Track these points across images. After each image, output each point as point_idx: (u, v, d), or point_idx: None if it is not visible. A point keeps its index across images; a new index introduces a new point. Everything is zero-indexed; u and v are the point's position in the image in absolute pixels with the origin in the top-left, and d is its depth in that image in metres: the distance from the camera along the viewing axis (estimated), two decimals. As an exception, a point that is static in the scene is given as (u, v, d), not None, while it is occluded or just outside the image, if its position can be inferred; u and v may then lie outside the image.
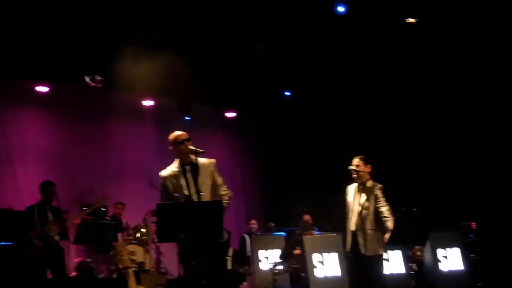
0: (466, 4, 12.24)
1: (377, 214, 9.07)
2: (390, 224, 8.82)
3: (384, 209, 8.98)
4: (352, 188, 9.36)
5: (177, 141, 7.56)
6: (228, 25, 12.71)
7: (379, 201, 9.05)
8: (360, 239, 9.00)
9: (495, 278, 12.46)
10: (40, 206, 11.01)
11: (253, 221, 14.57)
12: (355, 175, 9.19)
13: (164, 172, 7.60)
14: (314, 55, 13.78)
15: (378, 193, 9.11)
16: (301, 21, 12.98)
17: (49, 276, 10.83)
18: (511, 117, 13.30)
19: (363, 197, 9.16)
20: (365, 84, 14.63)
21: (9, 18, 11.97)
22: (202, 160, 7.62)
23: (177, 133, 7.65)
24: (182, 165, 7.56)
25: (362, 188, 9.20)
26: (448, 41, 13.08)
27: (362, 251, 8.95)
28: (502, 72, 12.66)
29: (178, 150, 7.57)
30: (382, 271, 9.24)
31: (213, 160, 7.71)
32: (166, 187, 7.53)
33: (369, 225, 9.00)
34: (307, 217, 13.13)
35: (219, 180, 7.67)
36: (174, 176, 7.52)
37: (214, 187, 7.59)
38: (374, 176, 9.31)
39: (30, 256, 10.58)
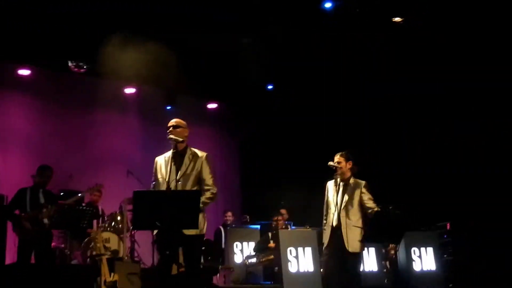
0: (465, 4, 12.30)
1: (362, 211, 9.15)
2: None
3: (374, 205, 9.06)
4: (331, 184, 9.41)
5: (166, 127, 7.75)
6: (218, 20, 12.75)
7: (366, 198, 9.14)
8: (344, 235, 9.02)
9: (468, 280, 12.57)
10: (33, 189, 11.07)
11: (229, 213, 14.60)
12: (337, 172, 9.25)
13: (158, 157, 7.77)
14: (314, 55, 13.79)
15: (364, 190, 9.19)
16: (299, 20, 13.00)
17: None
18: (511, 117, 13.39)
19: (347, 193, 9.20)
20: (365, 84, 14.65)
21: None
22: (194, 151, 7.71)
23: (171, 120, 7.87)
24: (174, 153, 7.64)
25: (344, 185, 9.26)
26: (448, 41, 13.14)
27: (346, 247, 8.99)
28: (502, 72, 12.69)
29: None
30: (360, 268, 9.36)
31: (204, 153, 7.79)
32: (155, 173, 7.69)
33: (354, 222, 9.07)
34: (283, 211, 13.23)
35: (205, 174, 7.68)
36: (164, 161, 7.64)
37: (199, 179, 7.63)
38: (356, 173, 9.38)
39: (4, 238, 10.64)
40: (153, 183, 7.72)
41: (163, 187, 7.35)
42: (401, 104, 14.96)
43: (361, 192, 9.17)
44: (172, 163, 7.52)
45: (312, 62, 14.19)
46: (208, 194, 7.59)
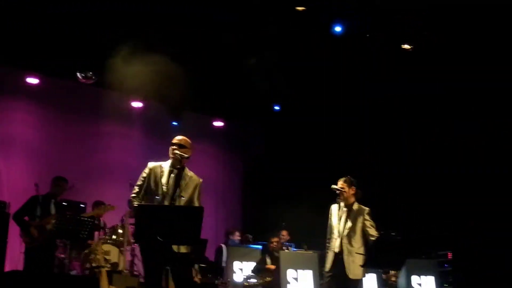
0: (465, 4, 12.31)
1: (364, 237, 9.14)
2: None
3: (375, 233, 9.05)
4: (335, 208, 9.41)
5: (171, 143, 7.76)
6: (224, 28, 12.78)
7: (368, 225, 9.15)
8: (346, 262, 9.05)
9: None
10: (46, 198, 11.17)
11: (237, 233, 14.47)
12: (340, 197, 9.27)
13: (153, 164, 7.75)
14: (314, 55, 13.78)
15: (367, 217, 9.19)
16: (300, 22, 13.00)
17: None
18: (511, 117, 13.39)
19: (350, 220, 9.21)
20: (365, 84, 14.61)
21: (3, 9, 11.98)
22: (191, 173, 7.74)
23: (178, 137, 7.91)
24: (172, 167, 7.67)
25: (347, 211, 9.26)
26: (448, 41, 13.17)
27: (348, 274, 9.00)
28: (502, 72, 12.73)
29: (169, 151, 7.76)
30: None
31: (200, 179, 7.82)
32: (146, 179, 7.64)
33: (356, 249, 9.08)
34: (284, 232, 13.20)
35: (196, 199, 7.73)
36: (160, 172, 7.62)
37: (189, 202, 7.64)
38: (361, 198, 9.38)
39: (4, 245, 10.63)
40: (140, 185, 7.66)
41: (157, 202, 7.40)
42: (401, 104, 14.93)
43: (364, 219, 9.18)
44: (172, 178, 7.58)
45: (311, 62, 14.21)
46: None
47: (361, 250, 9.06)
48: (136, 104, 15.78)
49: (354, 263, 9.00)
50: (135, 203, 7.45)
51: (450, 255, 13.43)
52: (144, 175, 7.69)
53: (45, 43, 12.79)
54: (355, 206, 9.29)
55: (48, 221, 10.84)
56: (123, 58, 12.57)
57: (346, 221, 9.20)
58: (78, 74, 13.78)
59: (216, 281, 12.57)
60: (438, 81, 13.59)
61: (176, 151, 7.58)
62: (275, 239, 12.46)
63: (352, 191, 9.31)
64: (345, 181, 9.34)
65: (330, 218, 9.42)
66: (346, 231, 9.14)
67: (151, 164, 7.73)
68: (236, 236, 14.35)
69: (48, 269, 10.89)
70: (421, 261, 12.60)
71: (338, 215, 9.32)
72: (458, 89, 13.71)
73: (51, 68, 13.96)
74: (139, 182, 7.70)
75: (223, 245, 13.87)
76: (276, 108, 16.53)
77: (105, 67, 12.83)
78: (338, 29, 13.18)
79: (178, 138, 7.84)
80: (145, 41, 12.55)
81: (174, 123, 16.10)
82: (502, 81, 12.87)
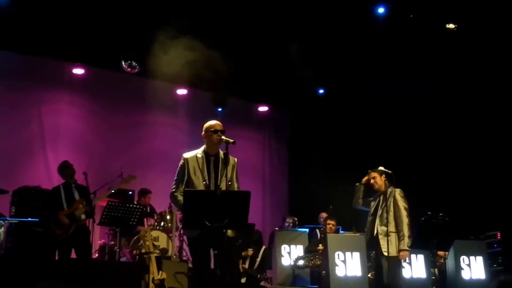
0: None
1: (399, 217, 9.34)
2: (405, 230, 9.35)
3: (403, 214, 9.44)
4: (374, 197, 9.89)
5: (210, 130, 7.62)
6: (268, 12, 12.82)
7: (399, 206, 9.52)
8: (381, 243, 9.47)
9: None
10: (66, 185, 11.22)
11: (289, 219, 14.47)
12: (374, 186, 9.81)
13: (188, 155, 7.66)
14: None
15: (398, 197, 9.62)
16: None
17: (73, 256, 11.03)
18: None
19: (384, 202, 9.65)
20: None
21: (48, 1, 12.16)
22: (224, 154, 7.66)
23: (213, 122, 7.73)
24: (206, 154, 7.64)
25: (382, 196, 9.72)
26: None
27: (384, 253, 9.24)
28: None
29: (209, 139, 7.63)
30: (400, 273, 9.39)
31: (235, 159, 7.78)
32: (184, 169, 7.58)
33: (390, 228, 9.39)
34: (323, 214, 13.29)
35: (236, 180, 7.72)
36: (197, 161, 7.58)
37: (230, 183, 7.60)
38: (393, 180, 9.74)
39: (55, 234, 10.76)
40: (180, 178, 7.60)
41: (201, 187, 7.42)
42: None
43: (395, 200, 9.59)
44: (212, 166, 7.58)
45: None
46: None
47: (395, 229, 9.45)
48: (181, 92, 15.90)
49: (391, 242, 9.36)
50: (179, 197, 7.44)
51: (499, 235, 13.32)
52: (182, 168, 7.61)
53: (90, 34, 12.94)
54: (389, 189, 9.73)
55: (76, 206, 10.94)
56: (166, 45, 12.64)
57: (382, 205, 9.63)
58: (122, 63, 13.89)
59: (258, 276, 12.69)
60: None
61: (224, 137, 7.55)
62: (332, 221, 12.45)
63: (383, 178, 9.77)
64: (374, 171, 9.83)
65: (370, 202, 9.92)
66: (379, 213, 9.61)
67: (186, 155, 7.64)
68: (289, 223, 14.36)
69: (85, 255, 11.03)
70: (470, 242, 12.48)
71: (377, 199, 9.80)
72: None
73: (96, 58, 14.10)
74: (177, 176, 7.64)
75: (276, 229, 13.92)
76: (321, 91, 16.52)
77: (149, 55, 12.93)
78: (381, 10, 13.15)
79: (219, 124, 7.77)
80: (188, 27, 12.61)
81: (219, 109, 16.17)
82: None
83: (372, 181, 9.80)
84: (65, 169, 11.35)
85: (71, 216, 10.85)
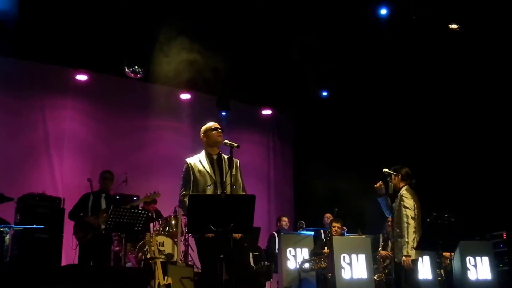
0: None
1: (405, 220, 9.19)
2: (405, 232, 9.05)
3: (405, 217, 9.14)
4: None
5: (209, 129, 7.73)
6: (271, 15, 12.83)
7: (402, 208, 9.19)
8: (393, 246, 9.44)
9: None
10: (96, 194, 11.55)
11: (285, 219, 14.49)
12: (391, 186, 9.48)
13: (190, 159, 7.71)
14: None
15: (402, 198, 9.27)
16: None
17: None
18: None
19: (395, 204, 9.36)
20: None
21: (51, 8, 12.18)
22: (227, 156, 7.69)
23: (209, 123, 7.83)
24: (209, 155, 7.69)
25: (396, 197, 9.41)
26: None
27: (395, 259, 9.26)
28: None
29: (209, 138, 7.73)
30: (412, 279, 9.26)
31: (237, 160, 7.80)
32: (189, 172, 7.61)
33: (396, 233, 9.25)
34: (328, 215, 13.29)
35: (240, 179, 7.78)
36: (201, 163, 7.62)
37: (236, 183, 7.68)
38: (409, 180, 9.47)
39: (60, 240, 10.89)
40: (187, 183, 7.61)
41: (210, 191, 7.45)
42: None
43: (400, 201, 9.25)
44: (216, 166, 7.62)
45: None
46: None
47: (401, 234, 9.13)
48: (184, 96, 15.93)
49: (398, 247, 9.19)
50: (187, 203, 7.37)
51: (505, 235, 13.29)
52: (187, 171, 7.63)
53: (93, 40, 12.97)
54: (402, 191, 9.34)
55: (100, 215, 11.10)
56: (169, 50, 12.67)
57: (395, 207, 9.32)
58: (126, 69, 13.90)
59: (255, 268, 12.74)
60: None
61: (228, 142, 7.54)
62: (337, 224, 12.43)
63: (398, 178, 9.40)
64: (393, 170, 9.46)
65: None
66: (394, 214, 9.31)
67: (190, 160, 7.68)
68: (283, 222, 14.37)
69: (102, 263, 11.09)
70: (476, 242, 12.49)
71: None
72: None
73: (99, 64, 14.14)
74: (184, 181, 7.66)
75: (275, 233, 13.93)
76: (324, 94, 16.52)
77: (152, 61, 12.96)
78: (383, 11, 13.15)
79: (215, 123, 7.81)
80: (190, 32, 12.63)
81: (223, 113, 16.19)
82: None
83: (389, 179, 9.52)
84: (101, 177, 11.73)
85: (91, 224, 11.09)
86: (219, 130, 7.71)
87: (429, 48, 13.49)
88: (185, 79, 13.62)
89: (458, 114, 14.13)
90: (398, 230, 9.20)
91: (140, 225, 10.67)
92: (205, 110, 15.81)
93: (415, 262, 9.10)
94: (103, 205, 11.29)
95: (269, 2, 12.51)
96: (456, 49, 13.26)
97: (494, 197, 13.24)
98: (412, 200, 9.17)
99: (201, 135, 7.79)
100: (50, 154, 14.09)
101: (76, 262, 11.24)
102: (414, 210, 9.13)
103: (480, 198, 13.37)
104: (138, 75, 14.03)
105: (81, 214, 11.35)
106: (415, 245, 8.94)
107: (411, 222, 9.06)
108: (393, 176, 9.43)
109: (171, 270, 10.45)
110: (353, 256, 11.12)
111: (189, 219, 6.98)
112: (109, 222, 10.45)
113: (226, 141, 7.55)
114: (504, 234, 13.26)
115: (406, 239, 8.98)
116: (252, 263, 12.89)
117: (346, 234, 12.85)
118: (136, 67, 13.89)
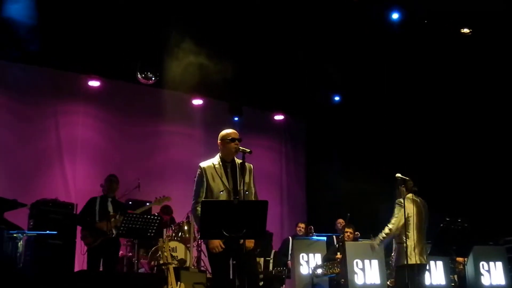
0: (477, 8, 12.19)
1: (411, 225, 9.31)
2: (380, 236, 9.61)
3: (387, 228, 9.62)
4: None
5: (228, 138, 7.60)
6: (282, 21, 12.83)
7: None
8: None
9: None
10: (103, 198, 11.44)
11: (301, 225, 14.45)
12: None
13: (204, 164, 7.64)
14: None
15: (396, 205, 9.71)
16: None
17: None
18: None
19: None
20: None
21: (64, 14, 12.23)
22: (240, 161, 7.64)
23: (229, 130, 7.72)
24: (223, 161, 7.62)
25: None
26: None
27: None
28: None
29: (225, 147, 7.61)
30: (417, 280, 9.30)
31: (251, 165, 7.76)
32: (203, 177, 7.55)
33: (401, 238, 9.52)
34: (340, 220, 13.28)
35: (253, 185, 7.71)
36: (214, 169, 7.56)
37: (249, 189, 7.63)
38: (414, 190, 9.73)
39: (73, 245, 10.89)
40: (200, 189, 7.55)
41: (223, 197, 7.40)
42: (418, 109, 14.88)
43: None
44: (230, 173, 7.56)
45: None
46: None
47: (409, 238, 9.37)
48: (197, 102, 15.93)
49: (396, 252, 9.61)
50: (199, 211, 7.26)
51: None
52: (201, 175, 7.58)
53: (105, 46, 13.00)
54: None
55: (108, 221, 11.07)
56: (181, 56, 12.70)
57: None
58: (138, 75, 13.93)
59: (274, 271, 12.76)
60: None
61: (241, 147, 7.53)
62: (350, 229, 12.39)
63: (401, 188, 9.56)
64: (395, 181, 9.67)
65: None
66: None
67: (203, 164, 7.62)
68: (298, 229, 14.34)
69: (111, 267, 11.10)
70: (489, 247, 12.43)
71: None
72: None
73: (111, 70, 14.18)
74: (197, 187, 7.60)
75: (290, 237, 13.91)
76: (336, 98, 16.51)
77: (164, 67, 12.99)
78: (395, 16, 13.14)
79: (235, 132, 7.73)
80: (204, 38, 12.65)
81: (235, 118, 16.19)
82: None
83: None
84: (107, 181, 11.58)
85: (101, 230, 11.03)
86: (237, 142, 7.57)
87: (441, 53, 13.45)
88: (197, 85, 13.65)
89: (470, 119, 14.09)
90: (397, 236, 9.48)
91: (153, 231, 10.67)
92: (217, 115, 15.80)
93: (421, 267, 9.32)
94: (110, 209, 11.25)
95: (282, 8, 12.50)
96: (468, 54, 13.22)
97: (507, 202, 13.18)
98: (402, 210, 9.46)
99: (218, 141, 7.71)
100: (63, 160, 14.12)
101: (84, 267, 11.23)
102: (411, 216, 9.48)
103: (494, 203, 13.32)
104: (150, 81, 14.06)
105: (88, 218, 11.30)
106: (383, 239, 9.62)
107: (393, 223, 9.53)
108: (399, 186, 9.62)
109: (183, 276, 10.47)
110: (366, 261, 11.12)
111: (202, 224, 6.96)
112: (121, 228, 10.44)
113: (241, 147, 7.53)
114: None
115: (384, 232, 9.61)
116: (270, 267, 12.94)
117: (359, 239, 12.82)
118: (149, 73, 13.92)
